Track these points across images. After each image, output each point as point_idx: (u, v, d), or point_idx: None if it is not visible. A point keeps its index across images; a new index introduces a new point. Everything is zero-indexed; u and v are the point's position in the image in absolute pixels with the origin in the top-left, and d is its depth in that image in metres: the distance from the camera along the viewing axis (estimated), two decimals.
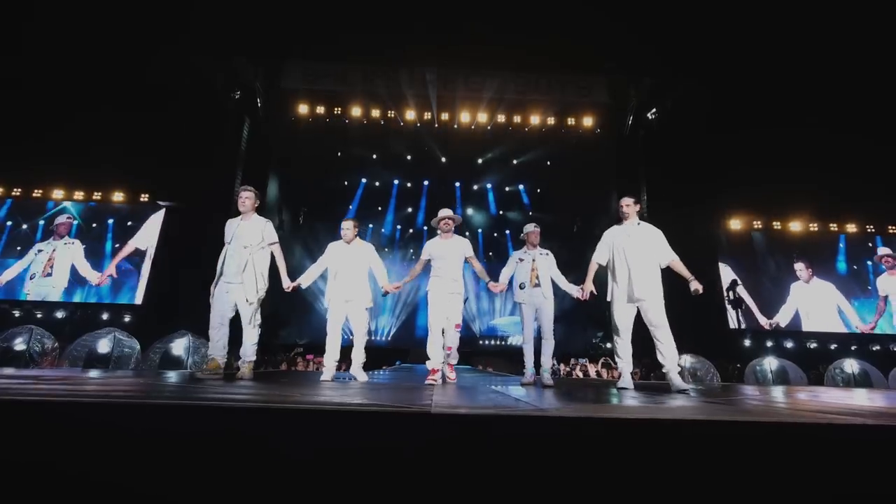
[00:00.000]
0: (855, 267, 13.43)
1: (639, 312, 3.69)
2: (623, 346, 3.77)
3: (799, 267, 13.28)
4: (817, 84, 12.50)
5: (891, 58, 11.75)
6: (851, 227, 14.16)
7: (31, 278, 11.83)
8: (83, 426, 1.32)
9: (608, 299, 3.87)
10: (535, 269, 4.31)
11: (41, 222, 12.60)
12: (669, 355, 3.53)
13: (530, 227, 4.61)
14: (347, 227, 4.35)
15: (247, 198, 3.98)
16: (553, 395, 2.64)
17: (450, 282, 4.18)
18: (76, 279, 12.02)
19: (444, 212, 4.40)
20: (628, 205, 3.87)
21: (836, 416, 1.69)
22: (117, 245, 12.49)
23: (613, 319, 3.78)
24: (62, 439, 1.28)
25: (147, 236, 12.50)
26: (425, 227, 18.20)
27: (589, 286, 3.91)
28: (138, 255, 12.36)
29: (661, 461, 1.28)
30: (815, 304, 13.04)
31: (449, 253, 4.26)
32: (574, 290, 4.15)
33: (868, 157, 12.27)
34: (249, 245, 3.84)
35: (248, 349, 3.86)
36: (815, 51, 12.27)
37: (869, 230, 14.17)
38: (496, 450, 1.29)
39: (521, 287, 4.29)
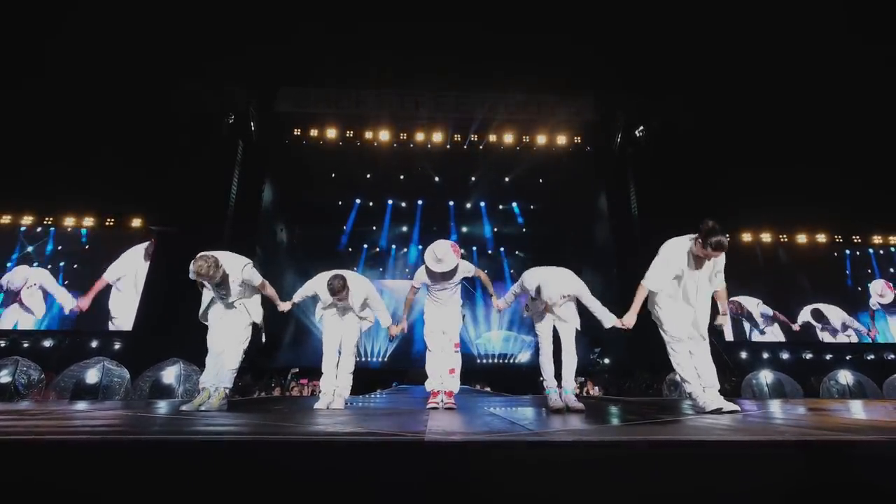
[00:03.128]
0: (859, 288, 13.95)
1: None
2: (683, 355, 3.07)
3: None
4: (801, 103, 12.97)
5: (869, 83, 12.28)
6: (838, 239, 14.51)
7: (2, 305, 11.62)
8: (69, 465, 1.28)
9: (651, 308, 3.23)
10: (553, 310, 3.44)
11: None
12: (713, 371, 3.06)
13: (565, 293, 3.38)
14: (337, 289, 3.61)
15: (203, 273, 3.14)
16: (554, 418, 2.61)
17: (447, 301, 3.91)
18: (51, 307, 11.89)
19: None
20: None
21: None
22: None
23: (661, 326, 3.15)
24: (47, 479, 1.24)
25: (120, 268, 12.37)
26: (420, 246, 18.26)
27: (633, 317, 3.04)
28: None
29: (674, 487, 1.25)
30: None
31: (446, 281, 3.89)
32: (611, 321, 3.23)
33: (851, 174, 12.70)
34: (235, 300, 3.50)
35: (227, 374, 3.39)
36: (797, 69, 12.79)
37: (855, 240, 14.54)
38: (494, 477, 1.27)
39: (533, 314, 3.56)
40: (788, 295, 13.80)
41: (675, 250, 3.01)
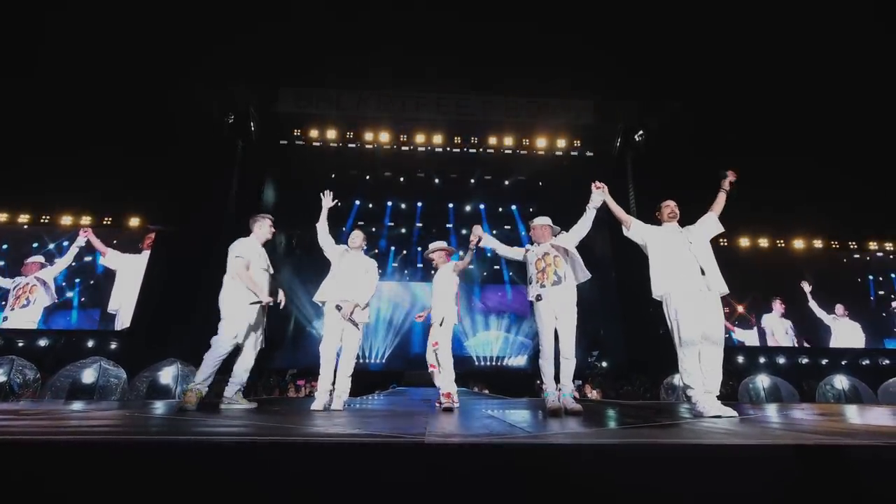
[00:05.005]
0: (884, 314, 14.07)
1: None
2: (692, 361, 3.04)
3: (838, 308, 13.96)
4: (801, 105, 13.07)
5: (869, 85, 12.36)
6: (835, 244, 14.58)
7: (4, 319, 11.63)
8: (63, 466, 1.28)
9: (657, 294, 3.27)
10: (549, 263, 3.51)
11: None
12: (718, 377, 3.04)
13: (534, 221, 3.79)
14: (356, 235, 4.41)
15: (273, 229, 4.29)
16: (552, 421, 2.61)
17: (436, 308, 4.23)
18: (50, 308, 11.94)
19: (433, 245, 4.56)
20: (673, 206, 3.53)
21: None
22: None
23: (677, 326, 3.10)
24: (41, 480, 1.23)
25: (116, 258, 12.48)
26: (419, 248, 18.25)
27: (606, 198, 3.53)
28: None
29: (672, 490, 1.25)
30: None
31: (437, 283, 4.38)
32: (593, 201, 3.61)
33: (854, 179, 12.80)
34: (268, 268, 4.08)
35: (244, 374, 3.77)
36: (796, 72, 12.87)
37: (852, 245, 14.62)
38: (493, 479, 1.27)
39: (538, 298, 3.45)
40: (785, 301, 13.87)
41: (645, 225, 3.54)
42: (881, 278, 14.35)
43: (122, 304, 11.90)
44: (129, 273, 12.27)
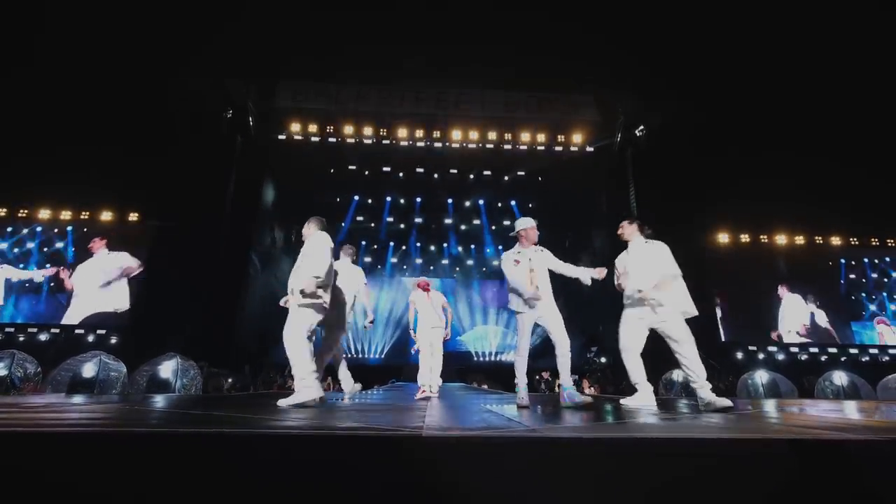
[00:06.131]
0: (853, 297, 14.31)
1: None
2: (632, 362, 3.75)
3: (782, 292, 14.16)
4: (802, 102, 13.00)
5: (867, 84, 12.29)
6: (836, 241, 14.58)
7: None
8: (66, 457, 1.29)
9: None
10: (536, 269, 3.66)
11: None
12: (698, 371, 3.24)
13: (527, 223, 3.86)
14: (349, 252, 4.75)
15: None
16: (550, 414, 2.62)
17: (432, 320, 5.36)
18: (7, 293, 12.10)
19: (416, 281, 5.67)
20: (622, 227, 3.89)
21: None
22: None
23: (620, 336, 3.72)
24: (45, 472, 1.24)
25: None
26: (418, 244, 18.23)
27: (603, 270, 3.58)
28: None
29: (667, 483, 1.26)
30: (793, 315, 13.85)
31: (430, 304, 5.42)
32: (587, 273, 3.58)
33: (847, 177, 12.77)
34: None
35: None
36: (797, 68, 12.79)
37: (853, 243, 14.64)
38: (490, 472, 1.28)
39: (536, 297, 3.65)
40: (762, 296, 13.96)
41: (617, 258, 3.94)
42: (853, 262, 14.54)
43: (82, 296, 12.07)
44: (90, 275, 12.37)
